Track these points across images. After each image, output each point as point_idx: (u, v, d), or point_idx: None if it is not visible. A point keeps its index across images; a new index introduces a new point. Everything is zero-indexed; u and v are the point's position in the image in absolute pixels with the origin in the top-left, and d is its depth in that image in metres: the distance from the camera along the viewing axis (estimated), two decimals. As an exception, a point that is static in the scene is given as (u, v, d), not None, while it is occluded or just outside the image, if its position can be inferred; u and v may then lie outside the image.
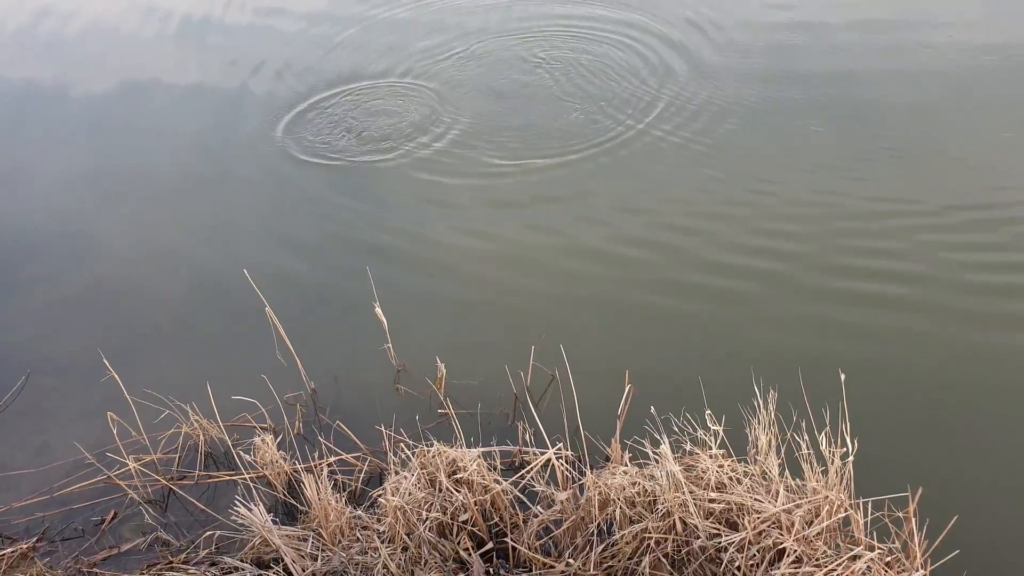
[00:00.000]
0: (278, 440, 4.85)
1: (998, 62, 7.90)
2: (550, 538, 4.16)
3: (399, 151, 7.60)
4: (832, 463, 3.80)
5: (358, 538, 4.21)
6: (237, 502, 4.17)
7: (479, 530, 4.17)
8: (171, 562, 4.38)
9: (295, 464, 4.72)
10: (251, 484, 4.54)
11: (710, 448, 4.08)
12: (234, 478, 4.78)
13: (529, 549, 4.06)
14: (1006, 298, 5.46)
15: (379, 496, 4.29)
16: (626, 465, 4.14)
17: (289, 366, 5.23)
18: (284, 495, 4.68)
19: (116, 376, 4.76)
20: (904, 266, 5.78)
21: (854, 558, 3.63)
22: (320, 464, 4.72)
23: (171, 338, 6.01)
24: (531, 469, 4.27)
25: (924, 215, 6.18)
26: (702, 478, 4.01)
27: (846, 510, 3.77)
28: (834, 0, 9.25)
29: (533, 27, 9.38)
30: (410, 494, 4.12)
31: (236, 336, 5.85)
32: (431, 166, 7.38)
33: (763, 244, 6.12)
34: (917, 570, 3.62)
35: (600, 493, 4.01)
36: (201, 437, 4.99)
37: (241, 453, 4.71)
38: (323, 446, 4.80)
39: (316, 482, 4.21)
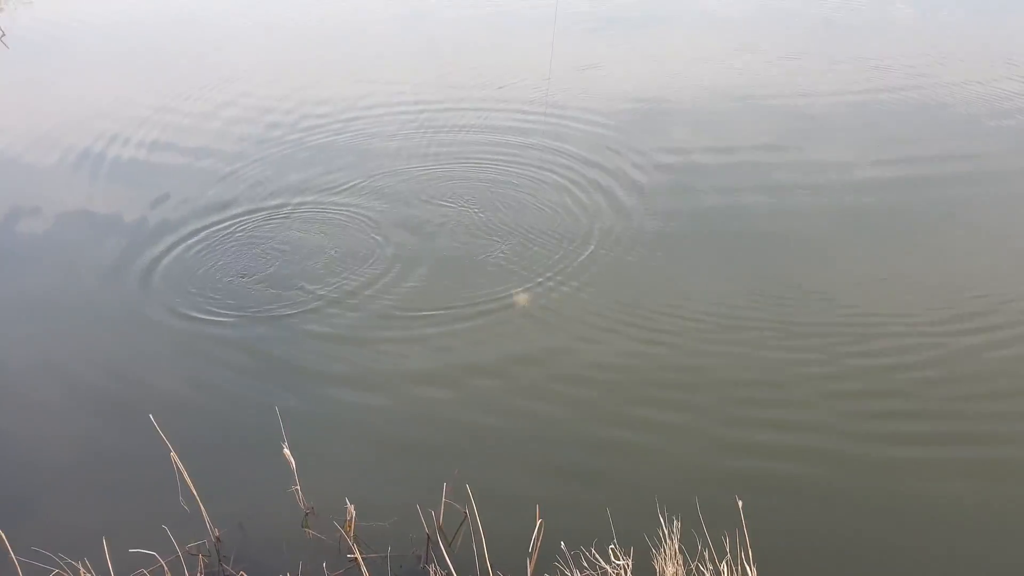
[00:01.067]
0: (178, 595, 4.62)
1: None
2: None
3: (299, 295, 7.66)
4: (736, 593, 3.89)
5: None
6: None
7: None
8: None
9: (195, 621, 4.49)
10: (146, 647, 4.28)
11: (619, 583, 4.12)
12: (127, 641, 4.50)
13: None
14: (891, 437, 5.70)
15: (284, 652, 4.10)
16: (538, 605, 4.12)
17: (192, 512, 5.04)
18: (183, 656, 4.42)
19: (1, 534, 4.48)
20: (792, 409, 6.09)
21: None
22: (222, 619, 4.50)
23: (66, 488, 5.72)
24: (442, 614, 4.19)
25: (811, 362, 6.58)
26: (613, 614, 4.03)
27: (752, 640, 3.84)
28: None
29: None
30: (316, 649, 3.96)
31: (137, 483, 5.62)
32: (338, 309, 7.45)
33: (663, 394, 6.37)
34: None
35: (512, 636, 3.95)
36: (92, 599, 4.69)
37: (136, 613, 4.46)
38: (225, 600, 4.59)
39: (216, 641, 4.01)
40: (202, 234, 8.62)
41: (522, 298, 7.21)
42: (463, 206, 8.87)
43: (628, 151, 9.80)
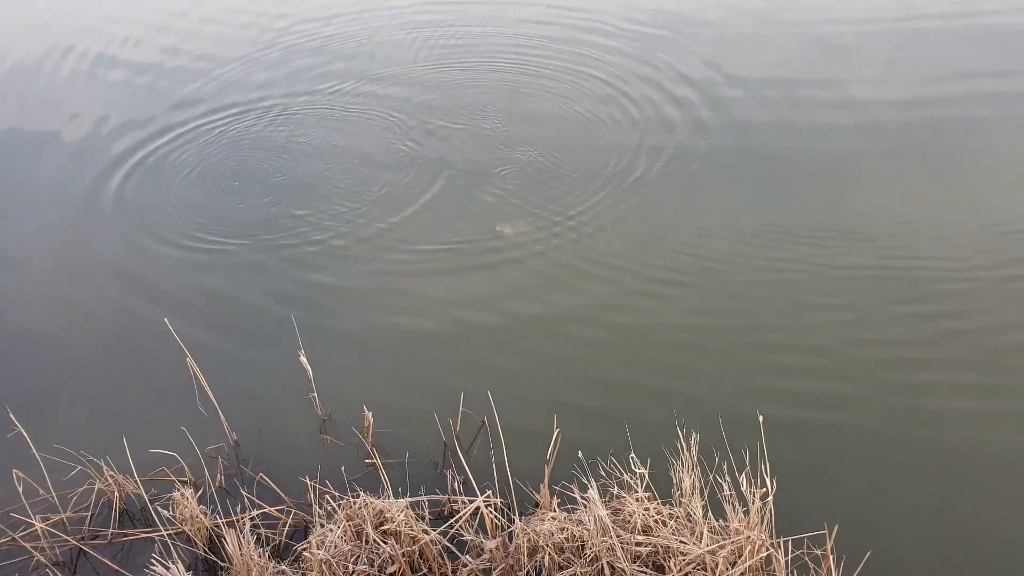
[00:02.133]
0: (198, 494, 4.69)
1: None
2: (480, 587, 4.13)
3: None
4: (753, 503, 3.91)
5: (282, 594, 4.09)
6: (154, 561, 4.00)
7: (407, 582, 4.11)
8: (80, 628, 4.16)
9: (216, 519, 4.57)
10: (169, 541, 4.36)
11: (636, 491, 4.14)
12: (151, 535, 4.58)
13: (458, 600, 4.02)
14: (915, 352, 5.60)
15: (304, 550, 4.18)
16: (554, 511, 4.17)
17: (211, 418, 5.09)
18: (204, 551, 4.51)
19: (24, 432, 4.54)
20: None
21: (775, 597, 3.73)
22: (242, 518, 4.57)
23: (85, 391, 5.77)
24: (460, 518, 4.25)
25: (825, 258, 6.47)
26: (629, 521, 4.07)
27: (767, 550, 3.88)
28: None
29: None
30: (336, 547, 4.04)
31: (155, 388, 5.67)
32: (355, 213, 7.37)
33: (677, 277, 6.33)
34: (835, 606, 3.74)
35: (529, 540, 4.02)
36: (116, 493, 4.77)
37: (159, 509, 4.54)
38: (246, 499, 4.66)
39: (238, 537, 4.09)
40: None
41: (508, 229, 6.95)
42: (479, 116, 8.66)
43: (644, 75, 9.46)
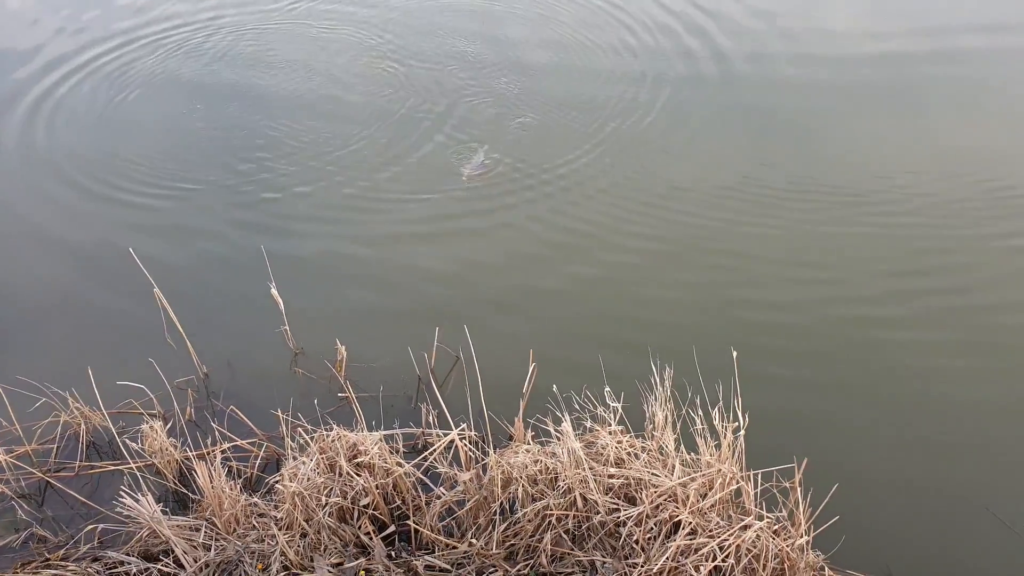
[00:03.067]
0: (168, 427, 4.63)
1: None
2: (453, 519, 4.15)
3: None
4: (725, 437, 3.95)
5: (254, 526, 4.08)
6: (123, 493, 3.95)
7: (381, 514, 4.11)
8: (48, 559, 4.12)
9: (186, 451, 4.52)
10: (138, 473, 4.31)
11: (609, 425, 4.16)
12: (119, 467, 4.53)
13: (432, 531, 4.04)
14: (890, 299, 5.66)
15: (276, 482, 4.16)
16: (528, 444, 4.17)
17: (179, 350, 5.00)
18: (175, 484, 4.48)
19: (-17, 362, 4.43)
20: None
21: (744, 528, 3.79)
22: (213, 451, 4.53)
23: (50, 324, 5.63)
24: (434, 451, 4.24)
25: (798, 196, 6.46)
26: (602, 454, 4.09)
27: (737, 482, 3.93)
28: None
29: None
30: (308, 479, 4.02)
31: (121, 320, 5.55)
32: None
33: (657, 224, 6.27)
34: (801, 536, 3.81)
35: (503, 472, 4.02)
36: (82, 426, 4.70)
37: (127, 441, 4.47)
38: (216, 432, 4.61)
39: (209, 469, 4.04)
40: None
41: (466, 170, 6.81)
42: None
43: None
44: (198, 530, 4.02)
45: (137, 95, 7.93)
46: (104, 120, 7.66)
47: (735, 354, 4.08)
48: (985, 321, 5.45)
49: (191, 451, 4.50)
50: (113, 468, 4.59)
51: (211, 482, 4.02)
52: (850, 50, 8.38)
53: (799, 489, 3.93)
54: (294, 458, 4.18)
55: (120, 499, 3.95)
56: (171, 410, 4.83)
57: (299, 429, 4.35)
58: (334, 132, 7.31)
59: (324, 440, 4.19)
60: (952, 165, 6.79)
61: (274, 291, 4.94)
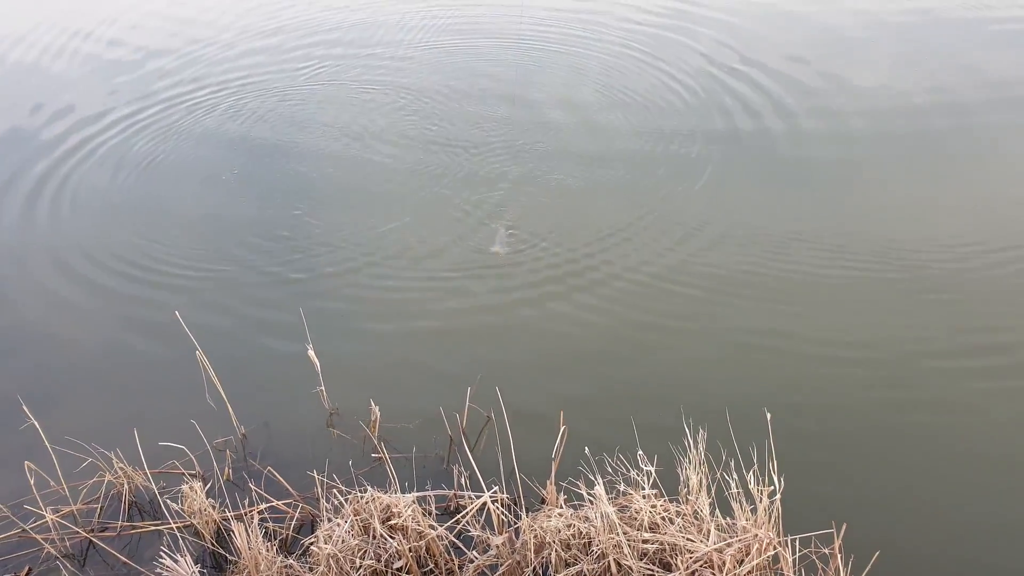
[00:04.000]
0: (207, 487, 4.72)
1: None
2: (486, 583, 4.14)
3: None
4: (760, 501, 3.90)
5: (289, 588, 4.11)
6: (162, 553, 4.03)
7: (414, 577, 4.12)
8: (89, 619, 4.19)
9: (224, 512, 4.59)
10: (178, 534, 4.39)
11: (643, 488, 4.13)
12: (160, 528, 4.62)
13: (465, 595, 4.03)
14: (924, 357, 5.62)
15: (311, 544, 4.20)
16: (561, 507, 4.16)
17: (219, 410, 5.11)
18: (212, 544, 4.53)
19: (36, 423, 4.57)
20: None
21: (782, 595, 3.72)
22: (251, 511, 4.59)
23: (97, 385, 5.82)
24: (467, 513, 4.25)
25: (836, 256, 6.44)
26: (635, 518, 4.06)
27: (775, 548, 3.86)
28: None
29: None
30: (343, 541, 4.05)
31: (164, 381, 5.70)
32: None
33: (695, 292, 6.28)
34: (842, 605, 3.72)
35: (536, 536, 4.01)
36: (125, 486, 4.81)
37: (168, 501, 4.56)
38: (254, 493, 4.68)
39: (246, 530, 4.11)
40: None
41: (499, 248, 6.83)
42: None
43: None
44: (234, 592, 4.07)
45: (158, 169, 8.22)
46: (134, 199, 7.84)
47: (768, 416, 4.06)
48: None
49: (229, 511, 4.57)
50: (153, 528, 4.67)
51: (248, 543, 4.08)
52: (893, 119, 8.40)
53: (839, 556, 3.86)
54: (329, 519, 4.22)
55: (159, 560, 4.03)
56: (210, 470, 4.92)
57: (334, 490, 4.41)
58: (368, 205, 7.47)
59: (358, 501, 4.23)
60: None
61: (311, 352, 5.05)
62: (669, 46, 9.83)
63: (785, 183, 7.50)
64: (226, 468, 4.99)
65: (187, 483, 4.54)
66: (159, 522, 4.64)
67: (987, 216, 6.87)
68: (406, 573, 4.09)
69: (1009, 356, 5.58)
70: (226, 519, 4.52)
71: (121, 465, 4.77)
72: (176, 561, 3.96)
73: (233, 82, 9.64)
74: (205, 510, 4.51)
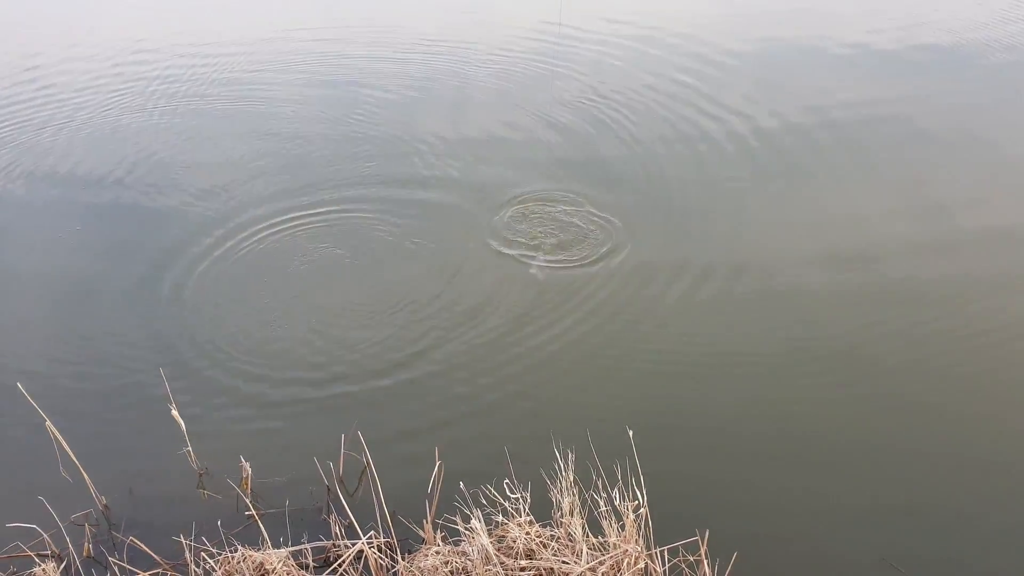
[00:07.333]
0: (62, 567, 4.41)
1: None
2: (367, 631, 4.07)
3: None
4: (627, 516, 4.05)
5: (158, 664, 3.90)
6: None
7: (292, 634, 4.01)
8: None
9: (83, 594, 4.31)
10: (28, 625, 4.09)
11: (518, 517, 4.21)
12: (9, 618, 4.28)
13: (345, 646, 3.95)
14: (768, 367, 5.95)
15: (181, 613, 4.01)
16: (439, 545, 4.18)
17: (76, 482, 4.81)
18: (72, 629, 4.25)
19: None
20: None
21: (655, 606, 3.86)
22: (112, 589, 4.34)
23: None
24: (343, 562, 4.19)
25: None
26: (512, 547, 4.13)
27: (643, 561, 4.01)
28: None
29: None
30: (214, 606, 3.90)
31: (9, 457, 5.30)
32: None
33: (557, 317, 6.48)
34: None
35: (413, 577, 4.00)
36: (-35, 578, 4.43)
37: (16, 589, 4.24)
38: (115, 568, 4.42)
39: (107, 608, 3.87)
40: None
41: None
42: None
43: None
44: (96, 676, 3.82)
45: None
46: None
47: (631, 432, 4.24)
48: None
49: (88, 591, 4.30)
50: (1, 620, 4.33)
51: (109, 622, 3.85)
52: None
53: (706, 561, 4.05)
54: (198, 586, 4.06)
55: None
56: (66, 549, 4.61)
57: (202, 553, 4.24)
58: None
59: (229, 562, 4.10)
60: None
61: (175, 412, 4.86)
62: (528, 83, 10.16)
63: (653, 210, 7.87)
64: (85, 544, 4.69)
65: (39, 566, 4.24)
66: (9, 612, 4.31)
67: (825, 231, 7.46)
68: (284, 631, 3.97)
69: (845, 362, 6.04)
70: (86, 600, 4.25)
71: (-40, 555, 4.40)
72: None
73: None
74: (61, 592, 4.22)
